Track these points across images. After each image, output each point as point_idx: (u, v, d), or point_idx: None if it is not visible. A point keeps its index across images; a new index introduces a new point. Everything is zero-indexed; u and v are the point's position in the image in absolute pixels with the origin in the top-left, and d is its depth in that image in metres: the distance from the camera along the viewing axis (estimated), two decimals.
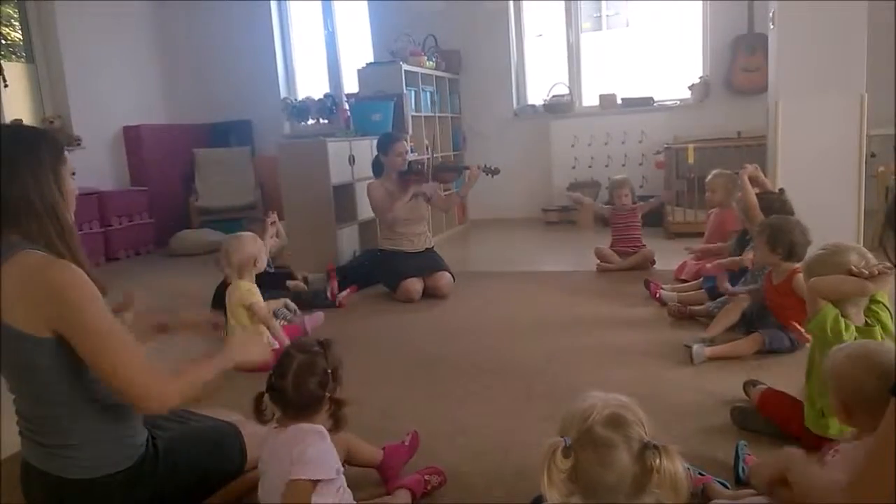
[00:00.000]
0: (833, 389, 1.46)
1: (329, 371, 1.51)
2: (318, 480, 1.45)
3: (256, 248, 3.02)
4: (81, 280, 1.43)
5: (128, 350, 1.43)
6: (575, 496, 1.11)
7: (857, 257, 1.86)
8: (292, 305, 3.38)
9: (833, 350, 1.51)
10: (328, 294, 3.91)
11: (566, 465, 1.08)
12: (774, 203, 3.05)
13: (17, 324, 1.40)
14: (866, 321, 1.88)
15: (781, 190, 3.24)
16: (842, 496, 1.13)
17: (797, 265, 2.63)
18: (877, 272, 1.77)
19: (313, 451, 1.45)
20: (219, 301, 3.48)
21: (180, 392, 1.49)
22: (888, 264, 1.78)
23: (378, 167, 4.28)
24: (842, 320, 1.81)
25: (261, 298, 2.99)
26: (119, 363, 1.41)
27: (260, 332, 2.95)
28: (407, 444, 1.98)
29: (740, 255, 3.30)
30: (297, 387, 1.48)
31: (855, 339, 1.80)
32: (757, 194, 3.14)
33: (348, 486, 1.63)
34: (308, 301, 3.77)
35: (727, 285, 3.21)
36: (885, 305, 1.92)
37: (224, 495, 1.74)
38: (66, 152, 1.57)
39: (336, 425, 1.51)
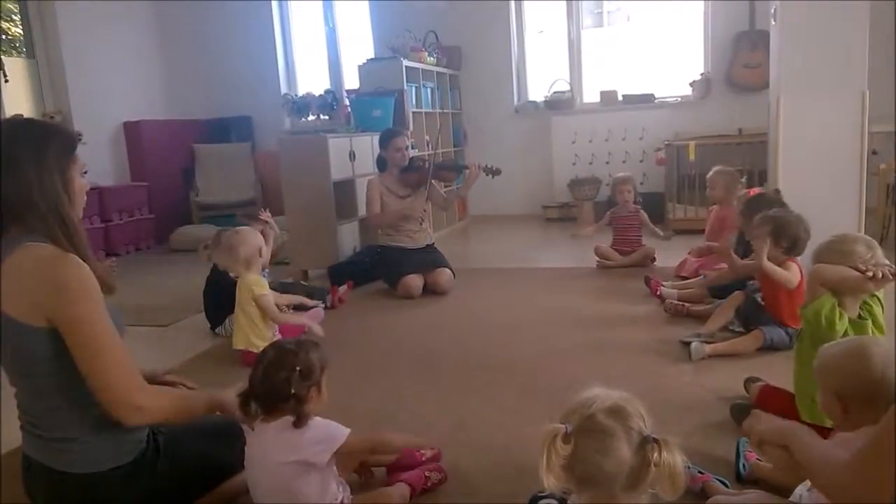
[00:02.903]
0: (828, 386, 1.45)
1: (298, 369, 1.52)
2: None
3: (259, 240, 3.06)
4: (85, 276, 1.43)
5: (116, 355, 1.44)
6: (571, 486, 1.11)
7: (865, 249, 1.88)
8: (311, 303, 3.51)
9: (826, 347, 1.51)
10: (327, 302, 3.85)
11: (565, 451, 1.09)
12: (773, 203, 3.05)
13: (18, 315, 1.40)
14: (859, 314, 1.90)
15: (777, 191, 3.22)
16: (844, 471, 1.11)
17: (792, 258, 2.65)
18: (881, 275, 1.79)
19: (319, 422, 1.52)
20: (210, 296, 3.49)
21: (163, 410, 1.51)
22: (894, 268, 1.80)
23: (382, 163, 4.31)
24: (837, 310, 1.83)
25: (269, 291, 3.02)
26: (105, 366, 1.42)
27: (269, 325, 3.00)
28: (425, 458, 1.92)
29: (742, 254, 3.30)
30: (263, 379, 1.52)
31: (846, 331, 1.82)
32: (754, 195, 3.14)
33: (347, 481, 1.64)
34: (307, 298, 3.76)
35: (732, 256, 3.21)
36: (878, 300, 1.94)
37: (218, 495, 1.74)
38: (75, 150, 1.55)
39: (297, 421, 1.51)
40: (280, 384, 1.51)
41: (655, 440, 1.10)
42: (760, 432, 1.38)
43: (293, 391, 1.50)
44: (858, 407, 1.38)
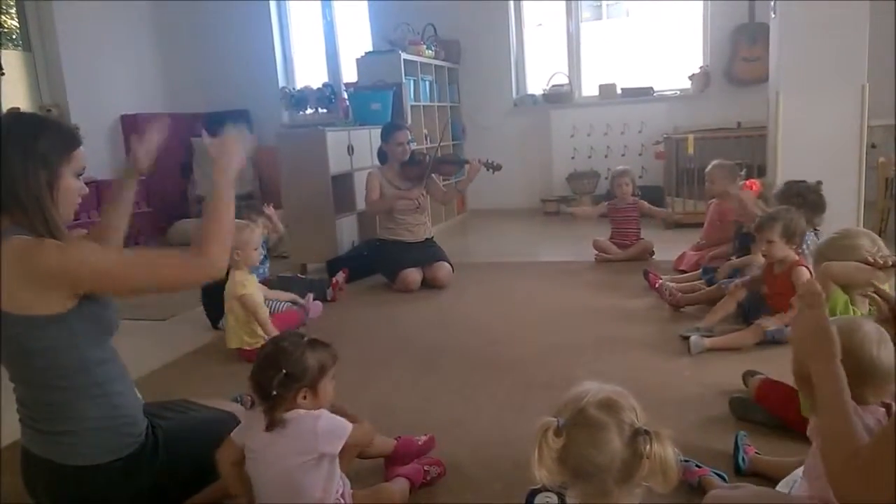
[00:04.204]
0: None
1: (285, 372, 1.47)
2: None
3: (253, 237, 3.01)
4: (72, 249, 1.44)
5: (151, 260, 1.56)
6: (563, 478, 1.12)
7: (869, 242, 1.89)
8: (301, 301, 3.46)
9: None
10: (328, 296, 3.86)
11: (557, 445, 1.10)
12: (810, 196, 3.00)
13: (14, 307, 1.39)
14: (870, 309, 1.90)
15: (819, 182, 3.15)
16: (854, 462, 1.09)
17: (798, 257, 2.64)
18: (890, 263, 1.79)
19: (327, 417, 1.52)
20: (206, 291, 3.46)
21: (219, 247, 1.55)
22: None
23: (382, 155, 4.30)
24: (850, 307, 1.82)
25: (254, 290, 2.98)
26: (157, 275, 1.52)
27: (253, 324, 2.96)
28: (421, 443, 1.94)
29: (741, 248, 3.29)
30: (254, 374, 1.52)
31: None
32: (790, 182, 3.11)
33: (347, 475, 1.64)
34: (305, 293, 3.74)
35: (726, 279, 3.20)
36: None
37: (217, 489, 1.73)
38: (73, 150, 1.51)
39: (268, 424, 1.48)
40: (265, 382, 1.47)
41: (647, 432, 1.10)
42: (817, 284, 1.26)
43: (274, 392, 1.47)
44: (852, 386, 1.38)
